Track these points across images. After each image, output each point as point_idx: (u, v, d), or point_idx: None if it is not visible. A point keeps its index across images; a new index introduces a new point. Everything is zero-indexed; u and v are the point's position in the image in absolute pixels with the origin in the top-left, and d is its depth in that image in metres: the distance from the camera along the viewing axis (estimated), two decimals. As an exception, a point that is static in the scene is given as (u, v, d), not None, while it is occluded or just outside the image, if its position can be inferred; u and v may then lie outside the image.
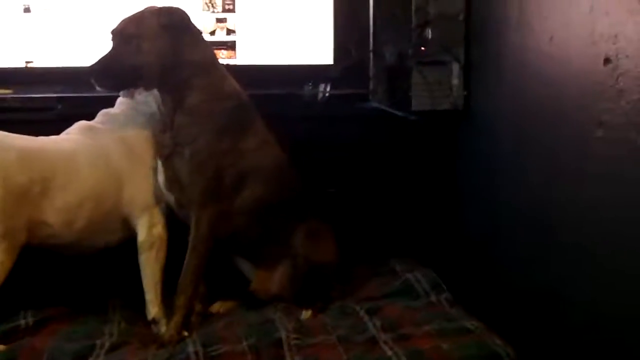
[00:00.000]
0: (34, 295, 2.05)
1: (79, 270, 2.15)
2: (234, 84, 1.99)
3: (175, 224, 1.99)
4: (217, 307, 2.06)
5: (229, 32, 2.37)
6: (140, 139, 1.98)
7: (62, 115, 2.17)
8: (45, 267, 2.11)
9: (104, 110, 2.03)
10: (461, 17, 2.31)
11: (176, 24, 1.89)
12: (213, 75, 1.95)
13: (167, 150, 1.92)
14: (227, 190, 1.93)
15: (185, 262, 1.90)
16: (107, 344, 1.78)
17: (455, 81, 2.33)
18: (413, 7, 2.34)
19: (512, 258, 2.00)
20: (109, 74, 1.87)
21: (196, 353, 1.72)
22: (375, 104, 2.40)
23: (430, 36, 2.33)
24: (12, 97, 2.32)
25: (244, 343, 1.76)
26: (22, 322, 1.94)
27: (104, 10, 2.31)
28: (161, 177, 1.94)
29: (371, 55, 2.40)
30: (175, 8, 1.92)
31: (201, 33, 2.00)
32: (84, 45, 2.30)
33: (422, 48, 2.34)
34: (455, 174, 2.40)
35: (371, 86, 2.41)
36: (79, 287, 2.16)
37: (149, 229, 1.94)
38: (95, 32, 2.30)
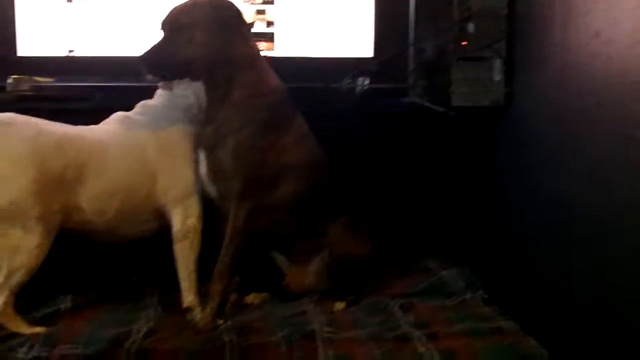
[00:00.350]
0: (73, 280, 2.09)
1: (117, 256, 2.18)
2: (276, 78, 1.99)
3: (210, 215, 2.00)
4: (251, 298, 2.07)
5: (269, 24, 2.38)
6: (176, 131, 1.99)
7: (101, 105, 2.18)
8: (84, 253, 2.14)
9: (142, 102, 2.05)
10: (504, 12, 2.28)
11: (229, 17, 1.89)
12: (258, 70, 1.95)
13: (210, 142, 1.92)
14: (267, 184, 1.93)
15: (222, 252, 1.91)
16: (143, 330, 1.80)
17: (496, 77, 2.30)
18: (455, 1, 2.31)
19: (550, 258, 1.97)
20: (159, 63, 1.87)
21: (230, 342, 1.73)
22: (414, 99, 2.38)
23: (471, 31, 2.30)
24: (53, 86, 2.36)
25: (278, 334, 1.77)
26: (62, 306, 1.99)
27: (145, 1, 2.34)
28: (203, 169, 1.95)
29: (411, 49, 2.38)
30: (228, 2, 1.92)
31: (250, 27, 2.00)
32: (124, 35, 2.34)
33: (463, 43, 2.31)
34: (494, 171, 2.37)
35: (410, 81, 2.39)
36: (116, 273, 2.19)
37: (183, 220, 1.96)
38: (135, 22, 2.33)
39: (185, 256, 1.96)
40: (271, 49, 2.37)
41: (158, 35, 1.90)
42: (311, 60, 2.39)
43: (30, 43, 2.33)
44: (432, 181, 2.39)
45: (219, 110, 1.92)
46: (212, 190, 1.96)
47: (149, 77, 1.89)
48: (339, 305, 1.96)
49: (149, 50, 1.87)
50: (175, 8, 1.89)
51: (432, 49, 2.44)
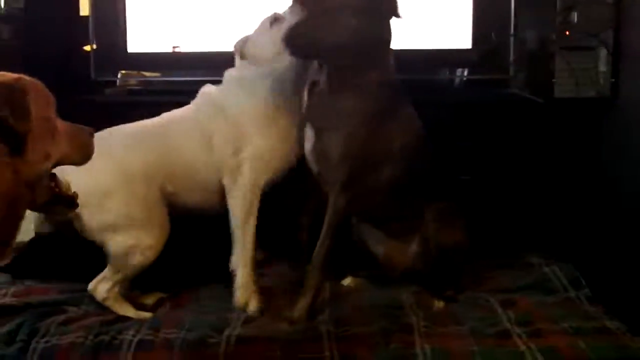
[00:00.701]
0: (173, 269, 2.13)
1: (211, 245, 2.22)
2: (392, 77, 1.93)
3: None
4: (347, 281, 2.08)
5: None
6: (252, 104, 1.97)
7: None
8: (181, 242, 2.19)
9: (226, 72, 2.07)
10: (610, 1, 2.20)
11: (386, 4, 1.82)
12: (389, 56, 1.89)
13: (321, 123, 1.87)
14: (370, 171, 1.89)
15: (319, 243, 1.88)
16: (242, 317, 1.84)
17: (602, 67, 2.23)
18: (558, -11, 2.26)
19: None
20: (302, 44, 1.79)
21: (328, 332, 1.74)
22: (515, 90, 2.34)
23: (575, 20, 2.24)
24: (159, 80, 2.45)
25: (375, 325, 1.77)
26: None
27: (248, -3, 2.38)
28: (309, 145, 1.91)
29: (512, 39, 2.34)
30: None
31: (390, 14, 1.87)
32: (227, 30, 2.37)
33: (567, 32, 2.25)
34: (599, 165, 2.30)
35: (511, 72, 2.35)
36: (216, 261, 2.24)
37: (236, 166, 1.93)
38: (235, 18, 2.38)
39: (232, 210, 1.94)
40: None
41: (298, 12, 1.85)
42: (410, 52, 2.37)
43: (138, 40, 2.42)
44: (535, 174, 2.33)
45: (341, 94, 1.85)
46: (313, 167, 1.93)
47: (289, 53, 1.83)
48: (438, 304, 1.92)
49: (292, 30, 1.78)
50: None
51: (533, 38, 2.39)
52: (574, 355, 1.62)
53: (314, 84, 1.91)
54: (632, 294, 2.00)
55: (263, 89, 1.98)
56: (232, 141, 1.94)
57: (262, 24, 2.05)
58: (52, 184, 1.32)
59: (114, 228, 1.85)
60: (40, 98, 1.26)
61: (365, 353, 1.66)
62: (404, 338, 1.72)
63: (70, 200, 1.38)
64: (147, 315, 1.89)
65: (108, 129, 1.95)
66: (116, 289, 1.90)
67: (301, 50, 1.81)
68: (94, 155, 1.82)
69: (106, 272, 1.90)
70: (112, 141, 1.90)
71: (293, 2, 1.90)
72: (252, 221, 1.92)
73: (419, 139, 1.95)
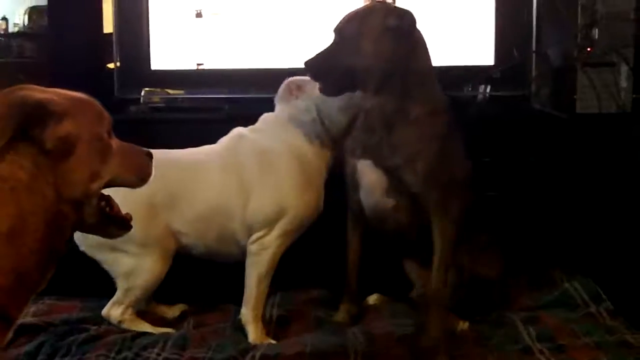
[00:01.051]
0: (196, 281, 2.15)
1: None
2: (441, 90, 1.91)
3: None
4: (374, 299, 2.08)
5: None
6: (287, 148, 1.90)
7: (230, 115, 2.26)
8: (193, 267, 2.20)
9: (264, 115, 2.00)
10: (632, 16, 2.21)
11: (404, 27, 1.79)
12: (432, 85, 1.86)
13: (388, 161, 1.82)
14: (456, 194, 1.86)
15: (435, 270, 1.83)
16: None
17: (623, 83, 2.23)
18: (579, 6, 2.26)
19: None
20: (325, 70, 1.80)
21: (355, 350, 1.75)
22: (537, 106, 2.34)
23: (597, 36, 2.24)
24: (183, 98, 2.48)
25: (401, 344, 1.78)
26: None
27: (271, 14, 2.41)
28: (367, 182, 1.87)
29: (534, 56, 2.34)
30: (406, 10, 1.81)
31: (424, 40, 1.87)
32: (251, 48, 2.41)
33: (588, 49, 2.26)
34: (621, 180, 2.29)
35: (533, 88, 2.35)
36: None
37: (263, 234, 1.86)
38: (260, 35, 2.41)
39: (250, 271, 1.87)
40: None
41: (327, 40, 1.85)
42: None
43: (162, 57, 2.45)
44: (559, 189, 2.32)
45: (397, 128, 1.81)
46: (386, 204, 1.87)
47: (315, 82, 1.83)
48: (463, 325, 1.91)
49: (316, 55, 1.81)
50: (349, 14, 1.82)
51: (555, 55, 2.39)
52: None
53: (363, 119, 1.89)
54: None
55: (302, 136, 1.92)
56: (271, 198, 1.87)
57: None
58: (103, 204, 1.29)
59: (112, 248, 1.85)
60: (89, 116, 1.23)
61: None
62: (429, 357, 1.72)
63: (122, 221, 1.35)
64: (167, 330, 1.90)
65: None
66: (130, 311, 1.91)
67: (320, 75, 1.82)
68: None
69: (116, 296, 1.91)
70: None
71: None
72: (269, 280, 1.89)
73: (470, 167, 1.95)
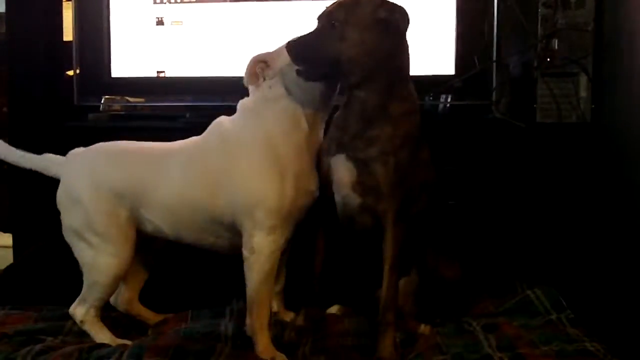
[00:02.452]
0: (158, 295, 2.13)
1: (202, 271, 2.21)
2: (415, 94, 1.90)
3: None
4: (334, 309, 2.07)
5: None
6: (253, 135, 1.83)
7: (190, 124, 2.25)
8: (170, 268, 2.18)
9: (240, 101, 1.92)
10: (590, 28, 2.24)
11: (394, 23, 1.76)
12: (410, 86, 1.85)
13: (362, 155, 1.80)
14: (413, 202, 1.85)
15: (386, 277, 1.81)
16: (227, 347, 1.81)
17: (583, 93, 2.26)
18: (539, 17, 2.29)
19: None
20: (305, 53, 1.76)
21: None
22: (498, 116, 2.36)
23: (556, 47, 2.27)
24: (144, 105, 2.45)
25: (357, 356, 1.78)
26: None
27: (233, 23, 2.40)
28: (341, 176, 1.83)
29: (494, 65, 2.36)
30: (400, 7, 1.78)
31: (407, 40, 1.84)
32: (212, 56, 2.40)
33: (548, 59, 2.28)
34: (580, 189, 2.32)
35: (494, 97, 2.37)
36: (201, 287, 2.22)
37: (248, 237, 1.79)
38: (221, 44, 2.40)
39: (246, 278, 1.80)
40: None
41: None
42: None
43: (122, 65, 2.43)
44: (518, 198, 2.35)
45: (376, 123, 1.79)
46: (353, 200, 1.84)
47: (295, 65, 1.78)
48: (425, 329, 1.91)
49: (299, 38, 1.78)
50: (337, 1, 1.79)
51: (515, 65, 2.42)
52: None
53: (337, 118, 1.88)
54: (613, 317, 2.01)
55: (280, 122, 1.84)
56: (239, 190, 1.80)
57: None
58: None
59: (78, 234, 1.86)
60: None
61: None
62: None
63: None
64: (125, 342, 1.86)
65: (110, 142, 1.96)
66: (93, 312, 1.88)
67: (300, 59, 1.77)
68: (80, 161, 1.91)
69: (82, 292, 1.89)
70: (100, 153, 1.93)
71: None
72: (270, 285, 1.82)
73: (435, 172, 1.95)
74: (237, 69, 2.36)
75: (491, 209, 2.33)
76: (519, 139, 2.31)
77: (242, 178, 1.80)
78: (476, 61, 2.38)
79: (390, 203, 1.80)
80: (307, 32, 1.79)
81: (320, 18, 1.79)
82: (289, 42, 1.78)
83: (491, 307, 2.05)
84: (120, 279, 1.91)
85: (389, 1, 1.79)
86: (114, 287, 1.91)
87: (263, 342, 1.78)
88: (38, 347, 1.79)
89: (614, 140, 2.17)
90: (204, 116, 2.18)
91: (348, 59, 1.75)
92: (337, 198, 1.87)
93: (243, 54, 2.34)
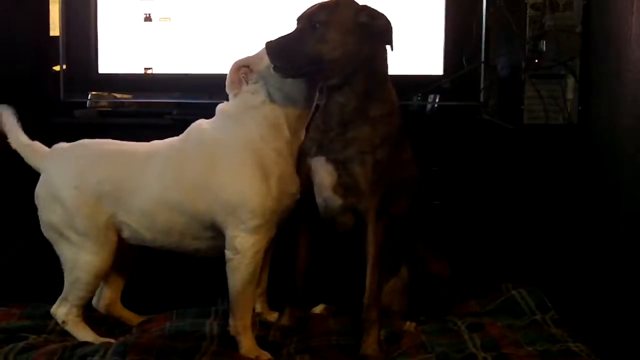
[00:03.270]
0: (142, 295, 2.12)
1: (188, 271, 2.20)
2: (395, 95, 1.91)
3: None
4: (319, 309, 2.07)
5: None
6: (234, 140, 1.82)
7: (178, 120, 2.24)
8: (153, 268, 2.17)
9: (218, 105, 1.91)
10: (578, 30, 2.25)
11: (376, 28, 1.78)
12: (389, 89, 1.87)
13: (341, 156, 1.81)
14: (394, 200, 1.86)
15: (368, 275, 1.82)
16: (212, 346, 1.80)
17: (570, 95, 2.27)
18: (527, 19, 2.30)
19: (631, 280, 1.92)
20: (284, 54, 1.76)
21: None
22: (485, 117, 2.36)
23: (544, 49, 2.28)
24: (131, 102, 2.44)
25: (342, 355, 1.78)
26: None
27: (221, 20, 2.39)
28: (328, 180, 1.83)
29: (482, 67, 2.37)
30: (380, 13, 1.80)
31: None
32: (200, 53, 2.39)
33: (536, 60, 2.29)
34: (567, 190, 2.33)
35: (482, 98, 2.37)
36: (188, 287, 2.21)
37: (231, 238, 1.78)
38: (210, 41, 2.39)
39: (229, 279, 1.79)
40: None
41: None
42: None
43: (110, 61, 2.41)
44: (505, 199, 2.35)
45: (354, 125, 1.81)
46: (335, 202, 1.85)
47: (273, 66, 1.78)
48: (410, 326, 1.93)
49: (277, 39, 1.78)
50: (318, 3, 1.80)
51: (503, 66, 2.43)
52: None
53: (317, 119, 1.88)
54: (598, 317, 2.02)
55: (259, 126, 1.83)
56: (218, 193, 1.78)
57: None
58: None
59: (58, 231, 1.85)
60: None
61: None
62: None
63: None
64: (109, 340, 1.85)
65: (94, 140, 1.93)
66: (75, 312, 1.87)
67: (279, 58, 1.77)
68: (64, 158, 1.88)
69: (63, 291, 1.88)
70: (84, 152, 1.90)
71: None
72: (253, 286, 1.81)
73: (418, 171, 1.96)
74: (225, 66, 2.36)
75: (477, 209, 2.34)
76: (506, 140, 2.32)
77: (224, 179, 1.78)
78: (464, 62, 2.39)
79: (371, 202, 1.81)
80: (287, 32, 1.79)
81: (300, 19, 1.80)
82: (268, 41, 1.78)
83: (476, 307, 2.06)
84: (102, 277, 1.89)
85: (370, 7, 1.81)
86: (95, 285, 1.88)
87: (247, 342, 1.78)
88: (21, 344, 1.78)
89: (600, 142, 2.18)
90: (192, 113, 2.17)
91: (329, 61, 1.76)
92: (319, 199, 1.87)
93: (231, 51, 2.36)
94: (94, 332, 1.88)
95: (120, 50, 2.41)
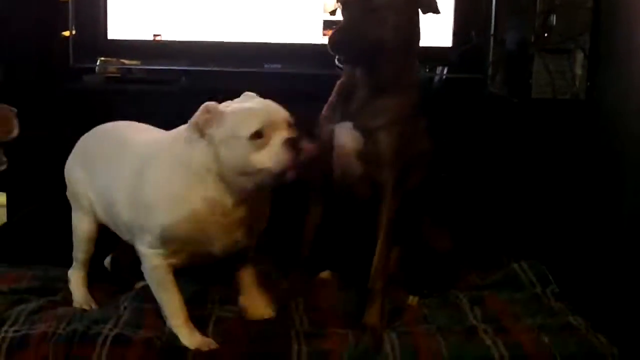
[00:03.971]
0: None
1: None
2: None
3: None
4: (325, 274, 2.06)
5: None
6: (168, 167, 1.67)
7: (185, 88, 2.24)
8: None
9: (180, 128, 1.70)
10: (589, 5, 2.23)
11: (425, 2, 1.84)
12: (416, 57, 1.91)
13: (370, 124, 1.80)
14: (410, 172, 1.87)
15: (379, 246, 1.83)
16: (213, 319, 1.81)
17: (578, 70, 2.27)
18: (538, -8, 2.28)
19: (633, 257, 1.93)
20: (350, 45, 1.76)
21: (297, 331, 1.74)
22: (493, 90, 2.36)
23: (554, 23, 2.27)
24: (139, 69, 2.44)
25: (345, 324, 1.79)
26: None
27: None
28: (352, 147, 1.82)
29: (491, 40, 2.36)
30: None
31: None
32: (209, 20, 2.39)
33: (545, 35, 2.28)
34: (573, 165, 2.33)
35: (490, 72, 2.37)
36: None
37: (136, 245, 1.72)
38: (221, 8, 2.38)
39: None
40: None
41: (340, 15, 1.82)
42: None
43: (119, 27, 2.41)
44: (510, 173, 2.36)
45: (386, 94, 1.82)
46: (355, 170, 1.84)
47: (337, 60, 1.78)
48: (413, 300, 1.93)
49: (337, 32, 1.77)
50: None
51: (512, 40, 2.42)
52: (538, 350, 1.65)
53: (342, 86, 1.88)
54: (598, 292, 2.04)
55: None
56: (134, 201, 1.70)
57: None
58: None
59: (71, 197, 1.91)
60: None
61: (334, 349, 1.66)
62: (374, 336, 1.72)
63: None
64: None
65: (111, 123, 1.91)
66: (79, 272, 1.91)
67: (348, 51, 1.77)
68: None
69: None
70: (92, 133, 1.92)
71: (339, 4, 1.88)
72: (165, 294, 1.71)
73: (431, 143, 1.96)
74: (235, 34, 2.38)
75: (481, 182, 2.35)
76: (513, 114, 2.32)
77: (145, 190, 1.68)
78: (473, 35, 2.38)
79: (391, 173, 1.82)
80: (343, 20, 1.79)
81: (350, 3, 1.78)
82: (330, 39, 1.75)
83: (477, 280, 2.07)
84: (91, 241, 1.91)
85: None
86: (88, 248, 1.90)
87: (187, 337, 1.69)
88: (32, 305, 1.81)
89: (607, 118, 2.18)
90: (199, 81, 2.18)
91: (389, 42, 1.77)
92: (337, 168, 1.87)
93: (240, 18, 2.36)
94: (91, 297, 1.91)
95: (130, 17, 2.41)
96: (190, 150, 1.62)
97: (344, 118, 1.84)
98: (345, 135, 1.83)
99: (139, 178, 1.69)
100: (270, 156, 1.54)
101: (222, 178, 1.60)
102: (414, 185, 1.90)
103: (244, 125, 1.55)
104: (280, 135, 1.55)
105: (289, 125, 1.59)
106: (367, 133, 1.81)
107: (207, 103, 1.61)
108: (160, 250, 1.67)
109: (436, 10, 1.84)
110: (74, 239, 1.91)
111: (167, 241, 1.65)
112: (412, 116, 1.84)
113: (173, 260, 1.69)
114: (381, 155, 1.81)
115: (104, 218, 1.85)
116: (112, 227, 1.84)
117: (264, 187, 1.63)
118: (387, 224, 1.83)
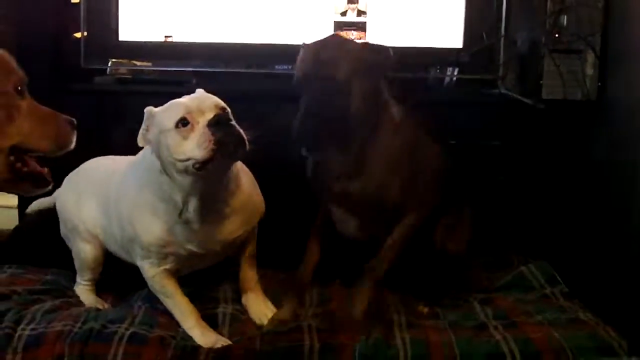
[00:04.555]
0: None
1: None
2: (395, 103, 1.84)
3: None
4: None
5: (360, 13, 2.39)
6: (136, 182, 1.77)
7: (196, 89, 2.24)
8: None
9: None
10: (600, 5, 2.22)
11: (384, 63, 1.76)
12: (390, 108, 1.82)
13: (360, 194, 1.78)
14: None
15: (386, 251, 1.83)
16: (227, 319, 1.84)
17: (589, 71, 2.26)
18: (548, -7, 2.28)
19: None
20: (317, 131, 1.68)
21: (309, 325, 1.75)
22: (504, 91, 2.36)
23: (565, 23, 2.26)
24: (150, 70, 2.45)
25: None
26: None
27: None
28: (340, 220, 1.85)
29: (502, 40, 2.35)
30: (384, 47, 1.77)
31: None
32: (220, 22, 2.39)
33: (556, 35, 2.27)
34: (585, 165, 2.32)
35: (500, 72, 2.36)
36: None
37: (134, 257, 1.81)
38: (231, 9, 2.39)
39: None
40: (363, 38, 2.38)
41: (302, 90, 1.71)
42: (401, 50, 2.37)
43: (130, 28, 2.42)
44: (521, 175, 2.35)
45: (368, 160, 1.77)
46: (359, 234, 1.86)
47: (308, 154, 1.76)
48: (423, 309, 1.92)
49: (300, 119, 1.67)
50: (317, 58, 1.70)
51: (523, 40, 2.41)
52: (549, 344, 1.66)
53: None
54: (607, 291, 2.03)
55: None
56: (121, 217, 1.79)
57: None
58: (12, 159, 1.28)
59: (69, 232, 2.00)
60: None
61: (345, 343, 1.67)
62: (385, 330, 1.74)
63: (37, 177, 1.34)
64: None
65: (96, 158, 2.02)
66: (84, 287, 1.97)
67: (317, 144, 1.72)
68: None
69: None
70: (80, 169, 2.02)
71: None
72: (170, 300, 1.78)
73: (446, 161, 1.92)
74: (246, 35, 2.38)
75: (491, 182, 2.34)
76: (524, 115, 2.31)
77: (126, 209, 1.77)
78: (484, 35, 2.38)
79: (405, 211, 1.81)
80: (304, 102, 1.69)
81: (308, 77, 1.70)
82: (296, 131, 1.67)
83: (486, 283, 2.08)
84: (99, 261, 1.96)
85: (375, 44, 1.78)
86: (96, 267, 1.96)
87: (200, 337, 1.72)
88: (48, 305, 1.83)
89: (618, 119, 2.16)
90: (210, 82, 2.18)
91: (356, 111, 1.71)
92: (340, 227, 1.88)
93: (251, 20, 2.37)
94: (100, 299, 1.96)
95: (141, 18, 2.42)
96: (145, 159, 1.71)
97: (336, 201, 1.82)
98: (342, 217, 1.85)
99: (117, 195, 1.79)
100: (197, 139, 1.55)
101: (170, 176, 1.64)
102: (436, 202, 1.88)
103: (169, 117, 1.61)
104: (205, 119, 1.57)
105: (218, 109, 1.61)
106: (359, 211, 1.81)
107: (146, 108, 1.68)
108: (151, 259, 1.74)
109: (394, 70, 1.79)
110: (77, 265, 1.96)
111: (152, 247, 1.72)
112: (408, 153, 1.80)
113: (167, 266, 1.75)
114: (390, 208, 1.79)
115: (112, 247, 1.91)
116: (124, 256, 1.88)
117: (208, 176, 1.60)
118: (403, 232, 1.82)
